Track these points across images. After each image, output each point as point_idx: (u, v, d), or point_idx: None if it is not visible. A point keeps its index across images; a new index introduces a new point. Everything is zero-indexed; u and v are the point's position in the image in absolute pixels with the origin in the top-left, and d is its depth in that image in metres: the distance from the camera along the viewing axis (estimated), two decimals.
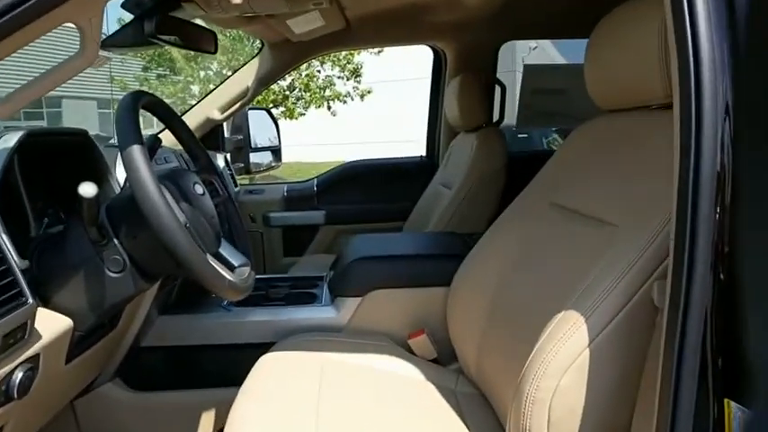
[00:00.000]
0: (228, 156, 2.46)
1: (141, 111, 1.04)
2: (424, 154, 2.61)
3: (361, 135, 15.08)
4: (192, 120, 2.14)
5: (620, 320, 0.78)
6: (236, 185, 2.27)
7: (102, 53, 1.63)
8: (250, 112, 2.46)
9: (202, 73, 9.93)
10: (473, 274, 1.27)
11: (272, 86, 9.37)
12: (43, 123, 15.27)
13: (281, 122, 8.94)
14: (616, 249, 0.84)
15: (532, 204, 1.22)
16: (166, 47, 1.72)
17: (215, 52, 1.60)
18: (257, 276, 1.73)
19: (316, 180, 2.53)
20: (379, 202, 2.49)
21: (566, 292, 0.88)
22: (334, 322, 1.40)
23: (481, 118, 1.99)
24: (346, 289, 1.41)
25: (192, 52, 10.10)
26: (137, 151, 0.84)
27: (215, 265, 0.93)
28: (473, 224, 1.88)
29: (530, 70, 2.54)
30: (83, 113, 15.10)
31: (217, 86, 2.20)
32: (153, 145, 1.18)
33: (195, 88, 10.14)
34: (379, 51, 9.95)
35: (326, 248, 2.47)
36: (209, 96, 2.17)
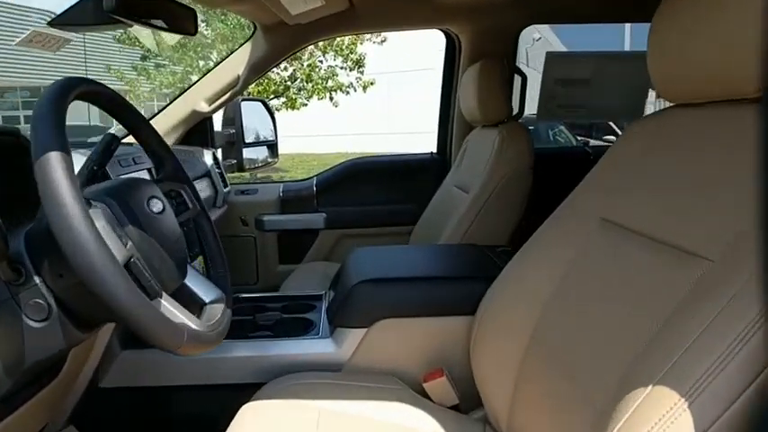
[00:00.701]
0: (220, 152, 2.23)
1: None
2: (434, 150, 2.37)
3: (364, 126, 14.86)
4: (176, 113, 1.91)
5: (739, 409, 0.55)
6: (225, 185, 2.04)
7: (59, 33, 1.40)
8: (243, 103, 2.22)
9: (201, 62, 9.67)
10: (505, 303, 1.04)
11: (273, 77, 9.14)
12: None
13: (283, 113, 8.77)
14: (719, 298, 0.60)
15: (578, 219, 0.99)
16: (159, 32, 1.49)
17: (194, 33, 1.36)
18: (242, 295, 1.51)
19: (315, 179, 2.29)
20: (386, 204, 2.26)
21: (646, 351, 0.65)
22: (332, 358, 1.17)
23: (503, 111, 1.74)
24: (348, 318, 1.18)
25: (193, 41, 9.86)
26: (54, 160, 0.60)
27: (169, 313, 0.70)
28: (495, 234, 1.64)
29: (553, 59, 2.29)
30: (82, 103, 14.81)
31: (203, 75, 1.96)
32: (108, 146, 0.95)
33: (195, 78, 9.88)
34: (383, 41, 9.73)
35: (327, 255, 2.23)
36: (194, 86, 1.93)
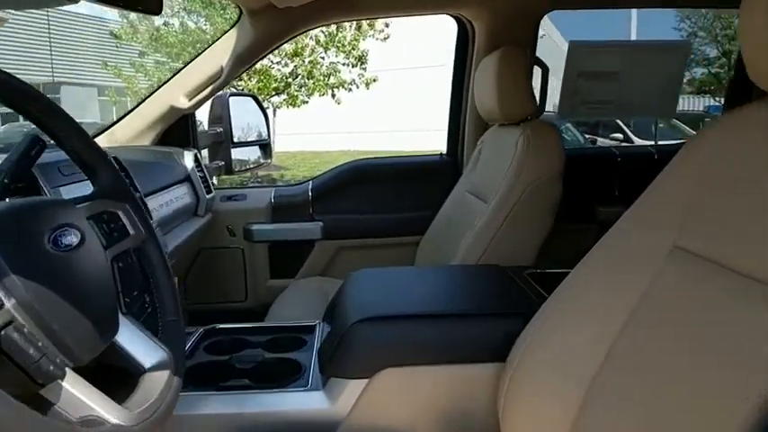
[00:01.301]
0: (206, 152, 2.00)
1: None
2: (443, 151, 2.13)
3: (367, 124, 14.63)
4: (151, 110, 1.68)
5: None
6: (209, 191, 1.81)
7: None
8: (232, 99, 1.98)
9: None
10: (548, 352, 0.81)
11: (273, 73, 8.91)
12: None
13: (283, 111, 8.54)
14: None
15: (641, 244, 0.76)
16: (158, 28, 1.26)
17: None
18: (219, 326, 1.28)
19: (310, 183, 2.05)
20: (391, 212, 2.02)
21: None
22: (325, 417, 0.93)
23: (527, 107, 1.50)
24: (344, 366, 0.95)
25: (192, 37, 9.64)
26: None
27: (66, 406, 0.47)
28: (519, 252, 1.40)
29: (576, 49, 2.04)
30: (82, 101, 14.61)
31: (184, 66, 1.72)
32: (27, 151, 0.72)
33: None
34: (386, 38, 9.49)
35: (324, 269, 2.00)
36: (172, 79, 1.69)
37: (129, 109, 1.71)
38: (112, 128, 1.72)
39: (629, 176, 2.17)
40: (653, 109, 2.23)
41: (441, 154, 2.11)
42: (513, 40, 1.76)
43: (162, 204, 1.46)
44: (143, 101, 1.70)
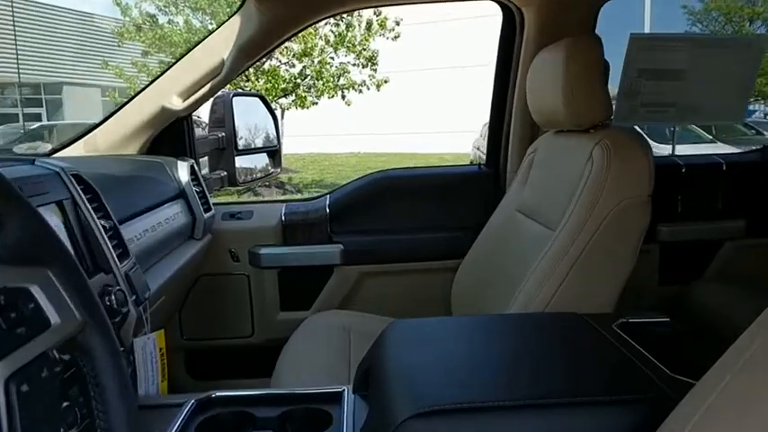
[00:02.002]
0: (206, 161, 1.72)
1: None
2: (482, 162, 1.83)
3: (377, 126, 14.37)
4: (138, 112, 1.40)
5: None
6: (209, 208, 1.52)
7: None
8: (235, 99, 1.70)
9: None
10: None
11: (282, 74, 8.64)
12: (42, 111, 14.54)
13: (292, 113, 8.29)
14: None
15: None
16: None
17: None
18: (214, 395, 0.99)
19: (328, 198, 1.76)
20: (422, 232, 1.72)
21: None
22: None
23: (601, 110, 1.20)
24: None
25: (197, 36, 9.37)
26: None
27: None
28: (599, 293, 1.11)
29: (637, 43, 1.74)
30: (85, 101, 14.38)
31: (177, 60, 1.43)
32: None
33: None
34: (396, 37, 9.22)
35: (344, 300, 1.70)
36: (163, 76, 1.41)
37: (113, 111, 1.42)
38: (93, 132, 1.44)
39: (695, 190, 1.87)
40: (720, 113, 1.93)
41: (479, 164, 1.81)
42: (570, 31, 1.46)
43: (147, 230, 1.17)
44: (128, 101, 1.41)
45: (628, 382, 0.75)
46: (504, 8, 1.62)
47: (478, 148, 8.87)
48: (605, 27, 1.68)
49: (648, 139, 1.65)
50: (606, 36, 1.33)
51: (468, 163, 10.10)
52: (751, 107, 14.39)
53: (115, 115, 1.41)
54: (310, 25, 1.55)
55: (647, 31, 12.12)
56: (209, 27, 9.10)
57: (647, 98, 1.82)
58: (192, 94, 1.38)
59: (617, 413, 0.68)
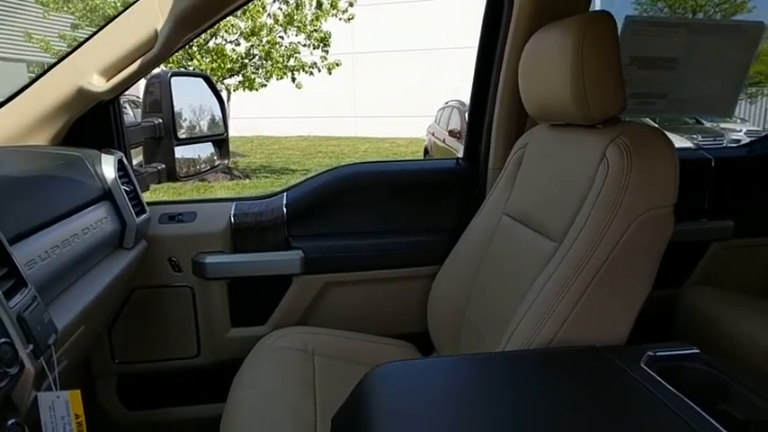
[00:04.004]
0: (141, 154, 1.46)
1: None
2: (459, 156, 1.64)
3: (329, 109, 14.04)
4: (49, 93, 1.12)
5: None
6: (143, 210, 1.26)
7: None
8: (174, 79, 1.43)
9: None
10: None
11: (227, 52, 8.18)
12: None
13: (239, 94, 7.87)
14: None
15: None
16: None
17: None
18: None
19: (285, 196, 1.53)
20: (394, 235, 1.52)
21: None
22: None
23: (618, 103, 1.02)
24: None
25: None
26: None
27: None
28: (614, 320, 0.94)
29: (633, 27, 1.58)
30: (9, 78, 13.23)
31: (97, 30, 1.15)
32: None
33: None
34: (350, 18, 8.90)
35: (305, 314, 1.48)
36: (80, 49, 1.13)
37: (15, 91, 1.13)
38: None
39: (682, 186, 1.75)
40: (711, 106, 1.81)
41: (457, 159, 1.61)
42: (567, 10, 1.28)
43: (57, 245, 0.91)
44: (35, 80, 1.13)
45: None
46: None
47: (433, 134, 8.73)
48: None
49: None
50: None
51: (423, 148, 9.97)
52: None
53: (19, 97, 1.12)
54: None
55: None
56: None
57: (637, 88, 1.68)
58: (118, 73, 1.12)
59: None
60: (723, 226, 1.75)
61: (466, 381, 0.81)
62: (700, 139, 8.13)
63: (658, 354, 0.85)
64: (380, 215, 1.52)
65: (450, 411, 0.69)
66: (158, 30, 1.09)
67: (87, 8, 8.25)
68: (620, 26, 1.57)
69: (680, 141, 7.24)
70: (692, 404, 0.71)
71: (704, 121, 10.35)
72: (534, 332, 0.92)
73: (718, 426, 0.66)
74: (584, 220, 0.94)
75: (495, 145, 1.49)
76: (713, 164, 1.77)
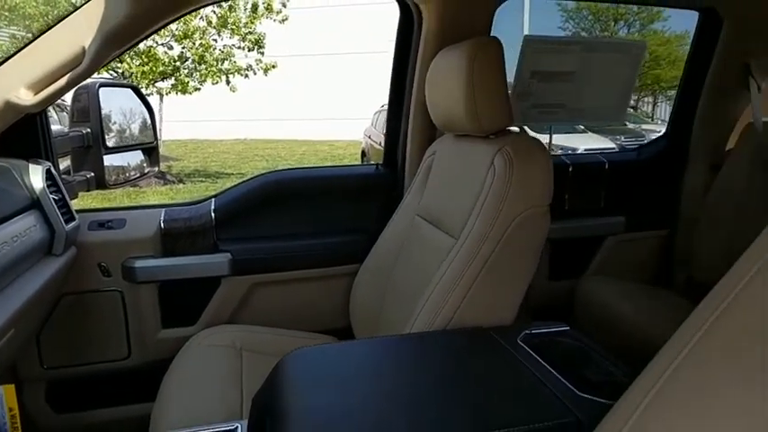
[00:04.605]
0: (68, 162, 1.49)
1: None
2: (380, 162, 1.77)
3: (266, 112, 13.93)
4: None
5: None
6: (72, 218, 1.31)
7: None
8: (102, 90, 1.48)
9: None
10: None
11: (159, 56, 8.03)
12: None
13: (172, 98, 7.71)
14: None
15: None
16: None
17: None
18: None
19: (213, 201, 1.61)
20: (317, 237, 1.63)
21: None
22: None
23: (503, 117, 1.17)
24: None
25: (57, 10, 8.40)
26: None
27: None
28: (501, 305, 1.09)
29: (532, 44, 1.76)
30: None
31: (26, 44, 1.20)
32: None
33: None
34: (284, 19, 8.93)
35: (233, 313, 1.57)
36: (7, 62, 1.18)
37: None
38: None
39: (581, 188, 1.96)
40: (605, 114, 2.02)
41: (377, 164, 1.74)
42: (469, 31, 1.44)
43: None
44: None
45: (537, 408, 0.73)
46: (402, 4, 1.56)
47: (369, 137, 8.87)
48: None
49: (528, 129, 1.72)
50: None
51: (360, 151, 10.09)
52: None
53: None
54: (188, 13, 1.38)
55: (526, 32, 12.82)
56: (73, 0, 8.20)
57: (538, 99, 1.86)
58: (46, 87, 1.17)
59: None
60: (616, 222, 1.96)
61: (373, 365, 0.93)
62: (623, 139, 8.66)
63: (534, 332, 1.01)
64: (305, 218, 1.63)
65: (352, 385, 0.80)
66: (86, 47, 1.15)
67: (5, 7, 7.88)
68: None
69: (604, 142, 7.74)
70: (551, 370, 0.86)
71: (628, 123, 11.05)
72: (434, 317, 1.05)
73: (569, 385, 0.81)
74: (475, 219, 1.09)
75: (410, 152, 1.63)
76: (607, 167, 1.98)
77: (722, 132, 2.00)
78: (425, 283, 1.14)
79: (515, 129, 1.43)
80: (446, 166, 1.36)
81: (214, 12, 8.37)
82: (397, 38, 1.62)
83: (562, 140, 6.60)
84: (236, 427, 0.84)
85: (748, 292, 0.53)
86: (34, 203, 1.21)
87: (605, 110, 1.98)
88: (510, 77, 1.66)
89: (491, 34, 1.57)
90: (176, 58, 8.25)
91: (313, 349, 0.91)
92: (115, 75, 7.87)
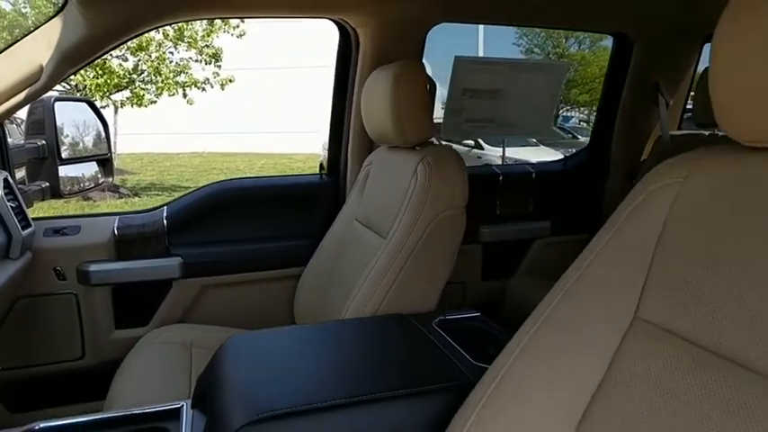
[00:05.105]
0: (23, 172, 1.57)
1: None
2: (324, 171, 1.91)
3: (224, 126, 13.88)
4: None
5: None
6: (28, 224, 1.39)
7: None
8: (58, 104, 1.57)
9: None
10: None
11: (114, 68, 7.97)
12: None
13: (127, 110, 7.64)
14: None
15: (599, 309, 0.69)
16: None
17: None
18: (39, 426, 0.93)
19: (165, 210, 1.71)
20: (264, 241, 1.74)
21: None
22: None
23: (426, 130, 1.33)
24: None
25: (6, 20, 8.25)
26: None
27: None
28: (423, 294, 1.23)
29: (462, 65, 1.94)
30: None
31: None
32: None
33: None
34: (242, 34, 9.01)
35: (184, 313, 1.67)
36: None
37: None
38: None
39: (511, 195, 2.14)
40: (531, 128, 2.22)
41: (321, 174, 1.88)
42: (400, 52, 1.60)
43: None
44: None
45: (437, 373, 0.87)
46: (341, 27, 1.71)
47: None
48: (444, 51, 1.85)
49: (482, 142, 1.88)
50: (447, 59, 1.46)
51: (319, 164, 10.17)
52: (569, 114, 16.51)
53: None
54: (145, 33, 1.49)
55: (480, 53, 13.26)
56: (23, 11, 8.09)
57: (469, 114, 2.04)
58: (5, 101, 1.26)
59: (432, 401, 0.79)
60: (543, 226, 2.14)
61: (303, 344, 1.05)
62: (574, 151, 9.06)
63: (448, 317, 1.15)
64: (253, 224, 1.75)
65: (278, 360, 0.93)
66: (44, 64, 1.25)
67: None
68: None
69: (554, 155, 8.11)
70: (456, 346, 1.00)
71: (579, 137, 11.54)
72: (363, 306, 1.19)
73: (468, 357, 0.96)
74: (400, 220, 1.24)
75: (351, 163, 1.77)
76: (534, 176, 2.17)
77: (637, 144, 2.22)
78: (358, 279, 1.28)
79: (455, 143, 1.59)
80: (380, 175, 1.50)
81: (170, 25, 8.38)
82: (338, 58, 1.77)
83: (517, 153, 6.90)
84: (182, 405, 0.95)
85: (590, 272, 0.70)
86: None
87: (531, 124, 2.18)
88: None
89: (454, 51, 1.74)
90: (131, 70, 8.21)
91: (248, 335, 1.04)
92: (68, 87, 7.78)
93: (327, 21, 1.67)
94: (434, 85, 1.63)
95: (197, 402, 0.94)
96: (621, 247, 0.67)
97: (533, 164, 2.28)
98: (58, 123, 1.58)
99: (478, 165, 4.98)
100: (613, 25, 2.04)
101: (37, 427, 0.89)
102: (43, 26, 1.29)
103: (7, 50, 1.29)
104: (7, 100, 1.26)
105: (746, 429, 0.49)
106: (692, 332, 0.56)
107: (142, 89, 8.36)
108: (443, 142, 1.59)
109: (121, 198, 7.99)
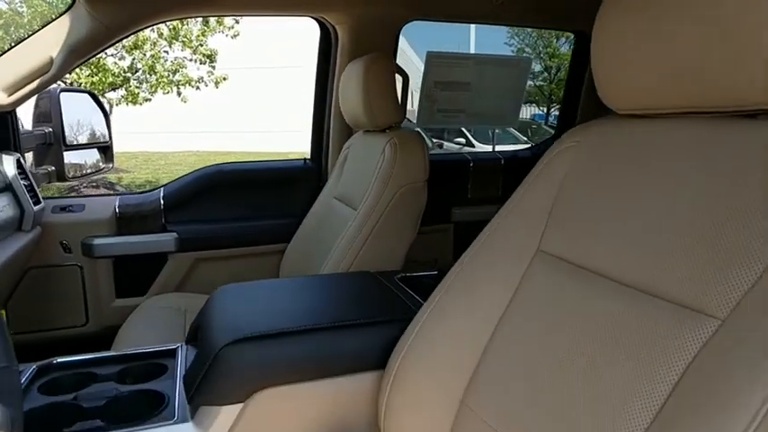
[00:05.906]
0: (30, 156, 1.73)
1: None
2: (307, 157, 2.08)
3: (217, 124, 14.00)
4: None
5: None
6: (38, 201, 1.56)
7: None
8: (63, 94, 1.74)
9: None
10: (426, 355, 0.84)
11: (109, 66, 8.11)
12: None
13: (122, 108, 7.78)
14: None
15: (509, 248, 0.84)
16: None
17: None
18: (57, 360, 1.10)
19: (162, 190, 1.87)
20: (252, 220, 1.91)
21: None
22: None
23: (394, 115, 1.51)
24: (216, 393, 0.86)
25: (3, 20, 8.39)
26: None
27: None
28: (389, 257, 1.41)
29: (433, 59, 2.12)
30: None
31: (2, 53, 1.46)
32: None
33: None
34: (236, 35, 9.16)
35: (179, 284, 1.83)
36: None
37: None
38: None
39: (481, 180, 2.31)
40: (498, 118, 2.40)
41: (304, 159, 2.05)
42: (375, 47, 1.77)
43: None
44: None
45: (389, 309, 1.05)
46: (321, 25, 1.88)
47: None
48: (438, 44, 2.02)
49: (473, 140, 2.04)
50: None
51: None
52: (553, 110, 16.77)
53: None
54: (143, 29, 1.66)
55: (472, 47, 13.49)
56: (20, 10, 8.22)
57: (441, 105, 2.22)
58: (19, 90, 1.43)
59: (379, 330, 0.96)
60: None
61: (283, 292, 1.22)
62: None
63: (408, 275, 1.33)
64: (242, 204, 1.92)
65: (260, 302, 1.10)
66: (54, 57, 1.42)
67: None
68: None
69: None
70: (413, 294, 1.17)
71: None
72: (338, 264, 1.36)
73: (420, 300, 1.13)
74: (369, 193, 1.41)
75: (331, 148, 1.95)
76: (503, 162, 2.35)
77: None
78: (333, 244, 1.46)
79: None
80: (356, 156, 1.68)
81: (166, 24, 8.53)
82: (319, 52, 1.94)
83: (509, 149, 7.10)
84: (179, 345, 1.12)
85: (506, 221, 0.88)
86: (7, 187, 1.45)
87: (499, 116, 2.36)
88: None
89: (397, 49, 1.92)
90: (126, 68, 8.35)
91: (236, 285, 1.21)
92: (64, 85, 7.91)
93: (309, 19, 1.84)
94: (407, 77, 1.82)
95: (190, 340, 1.11)
96: (533, 197, 0.85)
97: (502, 151, 2.45)
98: (64, 113, 1.74)
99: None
100: (573, 23, 2.22)
101: (55, 361, 1.05)
102: (53, 22, 1.46)
103: (21, 44, 1.45)
104: (22, 88, 1.43)
105: (621, 336, 0.62)
106: (581, 257, 0.72)
107: (137, 87, 8.51)
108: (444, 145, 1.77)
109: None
